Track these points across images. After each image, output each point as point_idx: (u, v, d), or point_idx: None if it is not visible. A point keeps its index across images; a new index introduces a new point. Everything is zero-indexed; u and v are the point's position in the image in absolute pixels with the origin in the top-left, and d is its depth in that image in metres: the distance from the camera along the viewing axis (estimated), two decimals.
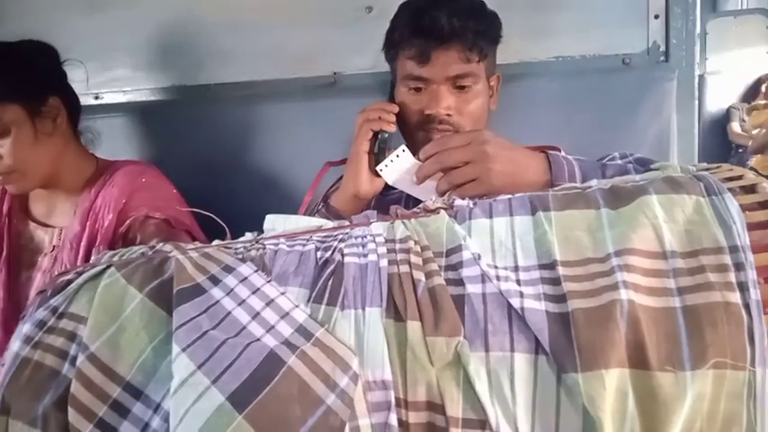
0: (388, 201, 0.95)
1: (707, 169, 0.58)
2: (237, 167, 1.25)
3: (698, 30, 1.09)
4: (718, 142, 3.52)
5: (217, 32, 1.27)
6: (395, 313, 0.49)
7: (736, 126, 3.47)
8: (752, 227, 0.48)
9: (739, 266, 0.45)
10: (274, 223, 0.64)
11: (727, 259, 0.46)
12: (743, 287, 0.44)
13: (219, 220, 0.70)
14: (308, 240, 0.57)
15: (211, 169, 1.25)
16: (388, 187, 0.91)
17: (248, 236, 0.63)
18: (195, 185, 1.10)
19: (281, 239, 0.59)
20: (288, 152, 1.24)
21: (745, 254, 0.46)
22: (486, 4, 0.97)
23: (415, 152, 0.85)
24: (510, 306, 0.48)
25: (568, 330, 0.45)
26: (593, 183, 0.60)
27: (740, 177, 0.53)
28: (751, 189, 0.52)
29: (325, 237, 0.58)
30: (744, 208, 0.50)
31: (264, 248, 0.57)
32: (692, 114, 1.09)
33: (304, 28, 1.24)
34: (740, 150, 3.45)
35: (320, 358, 0.46)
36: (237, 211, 0.71)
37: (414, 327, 0.47)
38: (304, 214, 0.96)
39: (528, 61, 1.15)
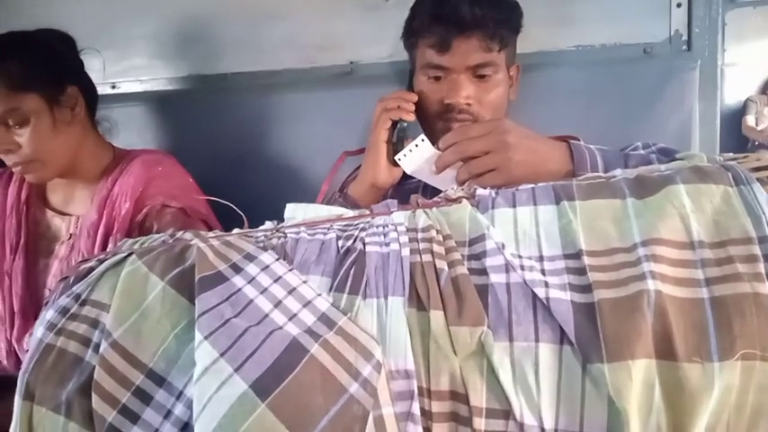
0: (406, 190, 0.95)
1: (734, 159, 0.57)
2: (254, 157, 1.25)
3: (720, 19, 1.07)
4: (736, 135, 3.46)
5: (234, 22, 1.27)
6: (417, 302, 0.49)
7: (750, 120, 3.41)
8: None
9: (762, 258, 0.44)
10: (295, 212, 0.64)
11: (757, 250, 0.45)
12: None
13: (237, 209, 0.70)
14: (328, 229, 0.57)
15: (228, 159, 1.25)
16: (405, 177, 0.91)
17: (268, 224, 0.63)
18: (211, 175, 1.11)
19: (302, 228, 0.58)
20: (304, 142, 1.23)
21: None
22: None
23: (434, 142, 0.84)
24: (535, 296, 0.47)
25: (594, 320, 0.44)
26: (618, 172, 0.59)
27: (764, 168, 0.52)
28: None
29: (345, 226, 0.58)
30: None
31: (285, 237, 0.57)
32: (714, 104, 1.07)
33: (321, 17, 1.23)
34: (756, 144, 3.39)
35: (343, 347, 0.46)
36: (254, 201, 0.71)
37: (437, 316, 0.47)
38: (322, 203, 0.96)
39: (548, 51, 1.13)
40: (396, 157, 0.87)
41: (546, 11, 1.12)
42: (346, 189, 0.96)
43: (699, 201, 0.49)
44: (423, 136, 0.86)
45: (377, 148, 0.90)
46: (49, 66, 0.98)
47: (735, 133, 3.43)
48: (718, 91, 1.06)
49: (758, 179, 0.50)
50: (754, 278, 0.44)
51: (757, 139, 3.30)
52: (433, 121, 0.97)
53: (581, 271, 0.48)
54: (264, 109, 1.25)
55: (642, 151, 0.79)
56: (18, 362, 1.02)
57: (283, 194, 0.73)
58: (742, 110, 3.51)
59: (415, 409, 0.45)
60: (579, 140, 0.93)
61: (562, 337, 0.45)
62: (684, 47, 1.09)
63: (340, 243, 0.54)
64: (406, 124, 0.91)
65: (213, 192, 0.84)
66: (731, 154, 0.59)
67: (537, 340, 0.46)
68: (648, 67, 1.09)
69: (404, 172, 0.88)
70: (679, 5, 1.10)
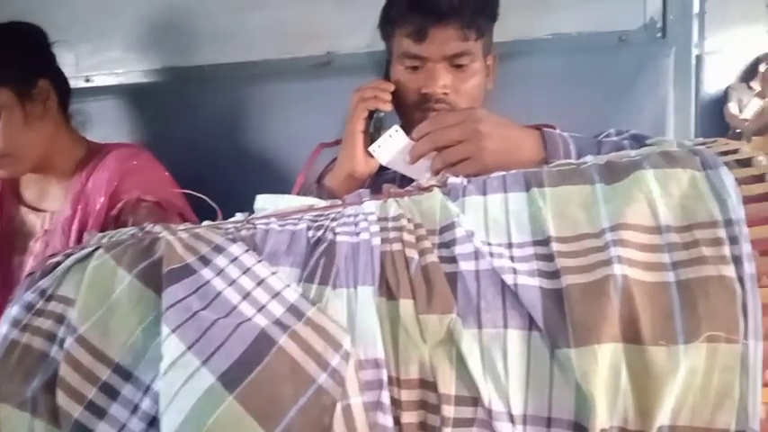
0: (383, 181, 0.94)
1: (703, 143, 0.57)
2: (232, 149, 1.24)
3: (696, 7, 1.07)
4: (716, 123, 3.49)
5: (210, 12, 1.25)
6: (387, 291, 0.48)
7: (733, 107, 3.43)
8: (747, 200, 0.47)
9: (733, 240, 0.45)
10: (265, 203, 0.63)
11: (722, 233, 0.45)
12: (737, 260, 0.44)
13: (211, 202, 0.69)
14: (299, 220, 0.57)
15: (205, 151, 1.24)
16: (383, 167, 0.90)
17: (239, 216, 0.63)
18: (189, 168, 1.09)
19: (272, 219, 0.58)
20: (283, 133, 1.23)
21: (740, 227, 0.45)
22: None
23: (411, 132, 0.84)
24: (503, 283, 0.47)
25: (562, 306, 0.44)
26: (589, 158, 0.59)
27: (735, 151, 0.53)
28: (746, 163, 0.51)
29: (316, 216, 0.57)
30: (739, 182, 0.49)
31: (255, 228, 0.57)
32: (689, 91, 1.08)
33: (298, 7, 1.22)
34: (737, 131, 3.42)
35: (312, 337, 0.46)
36: (232, 193, 0.70)
37: (406, 305, 0.47)
38: (297, 195, 0.95)
39: (524, 39, 1.13)
40: (370, 148, 0.86)
41: None
42: (323, 180, 0.95)
43: (666, 185, 0.49)
44: (397, 126, 0.86)
45: (353, 138, 0.90)
46: (19, 59, 0.97)
47: (716, 120, 3.46)
48: (693, 78, 1.07)
49: (726, 163, 0.51)
50: (719, 261, 0.44)
51: (739, 127, 3.32)
52: (411, 111, 0.97)
53: (550, 257, 0.48)
54: (242, 100, 1.24)
55: (615, 138, 0.80)
56: None
57: (262, 186, 0.72)
58: (723, 97, 3.53)
59: (385, 398, 0.45)
60: (555, 129, 0.93)
61: (531, 324, 0.45)
62: (659, 34, 1.09)
63: (310, 233, 0.54)
64: (383, 114, 0.91)
65: (191, 185, 0.83)
66: (701, 139, 0.59)
67: (506, 327, 0.46)
68: (624, 55, 1.10)
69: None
70: None
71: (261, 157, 1.23)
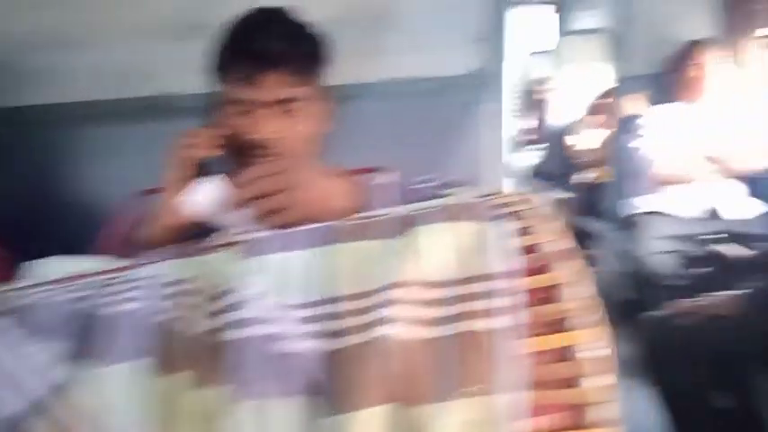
0: (204, 232, 0.91)
1: (487, 196, 0.60)
2: (54, 197, 1.16)
3: (506, 54, 1.16)
4: (563, 156, 3.76)
5: (29, 50, 1.16)
6: (161, 365, 0.46)
7: (570, 140, 3.71)
8: (519, 252, 0.50)
9: (497, 293, 0.47)
10: (49, 267, 0.59)
11: (487, 286, 0.47)
12: (498, 313, 0.46)
13: (13, 260, 0.64)
14: (76, 288, 0.53)
15: (22, 199, 1.14)
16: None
17: (19, 284, 0.57)
18: (5, 217, 1.00)
19: (49, 287, 0.53)
20: (110, 179, 1.15)
21: (505, 280, 0.47)
22: (315, 25, 0.97)
23: None
24: (282, 349, 0.46)
25: (337, 369, 0.44)
26: (388, 210, 0.61)
27: (509, 204, 0.56)
28: (517, 215, 0.54)
29: (95, 281, 0.54)
30: (512, 234, 0.52)
31: (29, 297, 0.52)
32: (502, 134, 1.16)
33: (126, 46, 1.16)
34: (581, 162, 3.69)
35: (71, 421, 0.42)
36: (53, 244, 0.65)
37: (180, 378, 0.45)
38: (120, 246, 0.90)
39: (358, 83, 1.16)
40: (184, 198, 0.83)
41: (354, 44, 1.14)
42: (141, 231, 0.90)
43: (443, 240, 0.51)
44: (218, 176, 0.83)
45: (169, 187, 0.86)
46: None
47: (562, 154, 3.73)
48: (506, 122, 1.15)
49: (499, 216, 0.53)
50: (482, 315, 0.45)
51: (579, 158, 3.60)
52: (242, 157, 0.94)
53: (336, 317, 0.48)
54: (65, 144, 1.16)
55: (429, 185, 0.83)
56: None
57: (88, 235, 0.68)
58: (568, 131, 3.82)
59: None
60: (391, 170, 0.95)
61: (307, 390, 0.45)
62: (481, 80, 1.17)
63: (84, 304, 0.50)
64: (210, 161, 0.88)
65: (5, 236, 0.76)
66: (486, 191, 0.62)
67: (282, 395, 0.44)
68: (449, 100, 1.16)
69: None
70: (478, 41, 1.17)
71: (85, 206, 1.15)
